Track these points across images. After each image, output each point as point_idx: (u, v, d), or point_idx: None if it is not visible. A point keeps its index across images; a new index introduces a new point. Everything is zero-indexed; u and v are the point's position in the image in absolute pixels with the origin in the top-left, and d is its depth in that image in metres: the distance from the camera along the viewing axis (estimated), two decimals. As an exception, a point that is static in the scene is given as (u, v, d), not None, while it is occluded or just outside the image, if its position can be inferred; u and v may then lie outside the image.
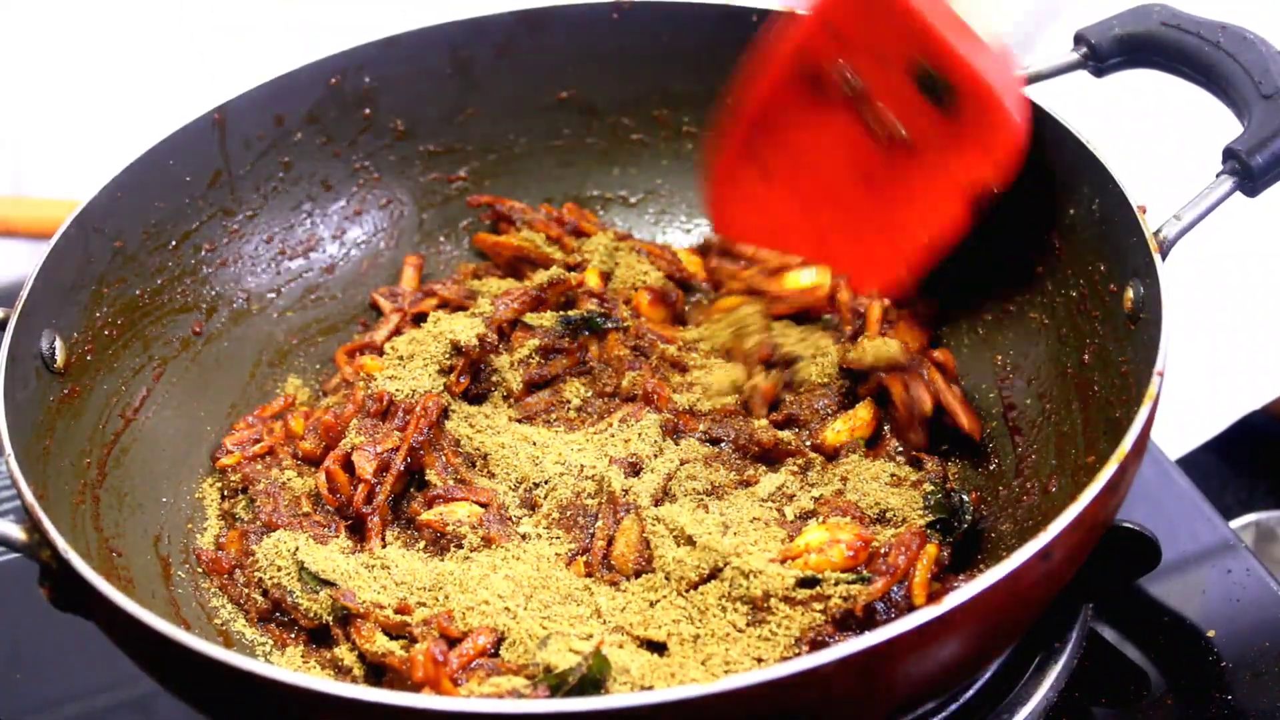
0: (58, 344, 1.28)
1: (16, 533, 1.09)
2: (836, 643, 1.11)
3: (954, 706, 1.24)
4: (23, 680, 1.36)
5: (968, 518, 1.29)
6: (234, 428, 1.45)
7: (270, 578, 1.29)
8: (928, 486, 1.31)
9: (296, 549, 1.28)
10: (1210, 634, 1.31)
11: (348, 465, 1.36)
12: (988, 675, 1.26)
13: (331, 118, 1.56)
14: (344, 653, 1.24)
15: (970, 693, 1.25)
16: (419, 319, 1.53)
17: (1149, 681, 1.29)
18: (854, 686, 0.99)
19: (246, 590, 1.31)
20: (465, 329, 1.43)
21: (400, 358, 1.44)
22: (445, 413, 1.40)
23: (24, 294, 1.25)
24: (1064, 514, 1.03)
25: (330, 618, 1.25)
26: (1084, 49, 1.40)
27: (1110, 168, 1.30)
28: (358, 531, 1.34)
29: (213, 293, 1.50)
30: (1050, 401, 1.36)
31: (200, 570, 1.34)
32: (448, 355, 1.42)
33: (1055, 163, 1.37)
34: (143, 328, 1.41)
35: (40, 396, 1.25)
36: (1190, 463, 1.63)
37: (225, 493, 1.41)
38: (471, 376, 1.44)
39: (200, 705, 1.09)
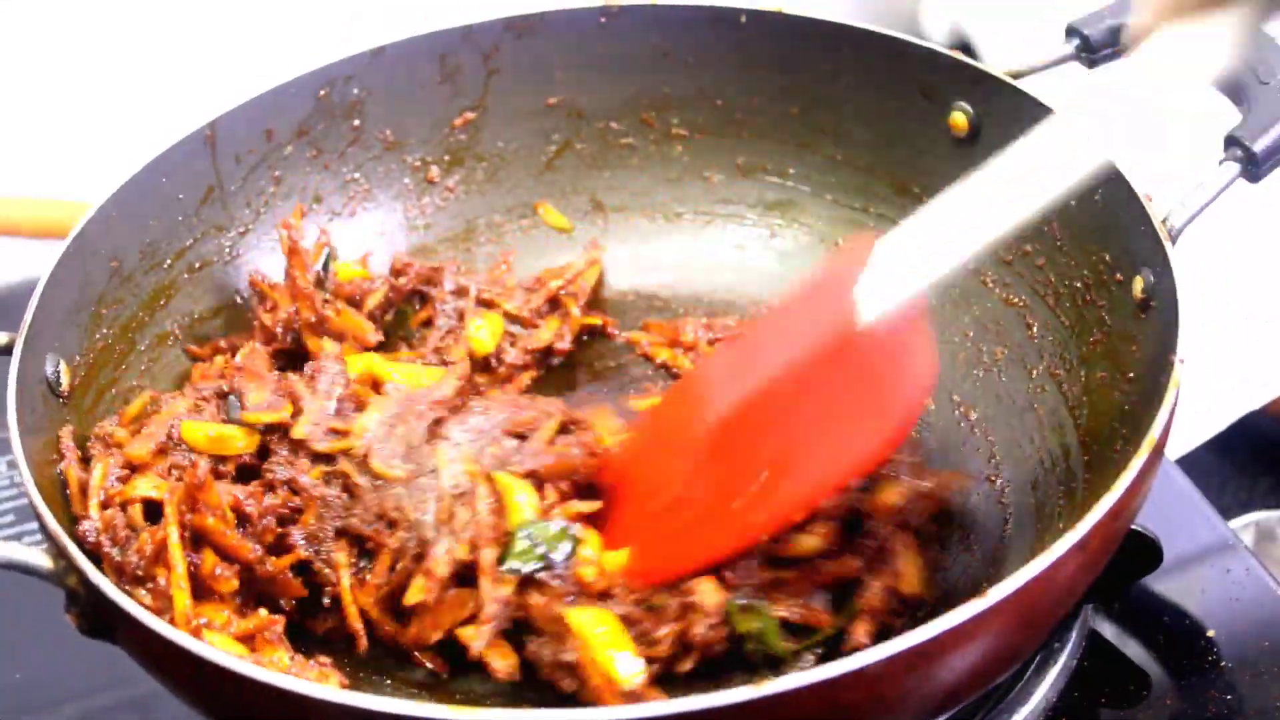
0: (61, 367, 1.26)
1: (43, 560, 1.07)
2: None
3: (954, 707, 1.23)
4: (22, 680, 1.34)
5: None
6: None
7: None
8: None
9: None
10: (1210, 633, 1.32)
11: None
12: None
13: (320, 130, 1.53)
14: None
15: (970, 694, 1.25)
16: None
17: (1149, 681, 1.29)
18: (901, 684, 0.99)
19: None
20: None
21: None
22: None
23: (28, 317, 1.22)
24: (1100, 503, 1.04)
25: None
26: (1076, 41, 1.41)
27: (1114, 157, 1.30)
28: None
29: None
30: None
31: None
32: None
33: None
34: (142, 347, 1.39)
35: (49, 420, 1.23)
36: (1190, 462, 1.63)
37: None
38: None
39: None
